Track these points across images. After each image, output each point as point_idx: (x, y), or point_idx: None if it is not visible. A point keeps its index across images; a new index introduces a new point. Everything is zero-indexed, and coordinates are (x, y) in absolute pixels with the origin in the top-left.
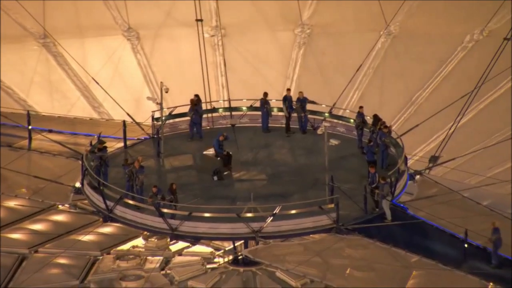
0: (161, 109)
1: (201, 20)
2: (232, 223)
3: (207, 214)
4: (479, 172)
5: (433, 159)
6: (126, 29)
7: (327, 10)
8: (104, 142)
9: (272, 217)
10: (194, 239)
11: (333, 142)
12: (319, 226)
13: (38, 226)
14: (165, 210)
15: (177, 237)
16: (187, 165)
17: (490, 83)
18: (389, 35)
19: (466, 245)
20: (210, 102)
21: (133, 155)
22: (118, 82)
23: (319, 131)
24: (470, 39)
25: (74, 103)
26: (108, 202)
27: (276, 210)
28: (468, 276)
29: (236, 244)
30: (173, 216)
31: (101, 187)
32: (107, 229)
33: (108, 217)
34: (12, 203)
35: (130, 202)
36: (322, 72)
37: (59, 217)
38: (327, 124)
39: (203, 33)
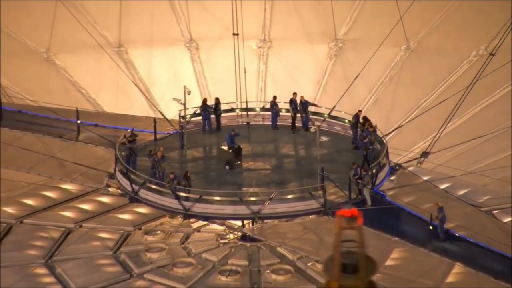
0: (185, 108)
1: (237, 34)
2: (235, 205)
3: (217, 198)
4: (463, 167)
5: (424, 154)
6: (188, 40)
7: (360, 27)
8: (136, 135)
9: (269, 201)
10: (204, 219)
11: (323, 138)
12: (309, 209)
13: (84, 206)
14: (180, 194)
15: (189, 216)
16: (205, 156)
17: (484, 92)
18: (408, 49)
19: (430, 227)
20: (245, 102)
21: (162, 146)
22: (174, 86)
23: (312, 130)
24: (475, 54)
25: (134, 103)
26: (134, 186)
27: (273, 195)
28: (431, 254)
29: (245, 224)
30: (186, 199)
31: (128, 173)
32: (141, 209)
33: (134, 199)
34: (65, 186)
35: (152, 186)
36: (347, 80)
37: (103, 199)
38: (319, 123)
39: (237, 45)
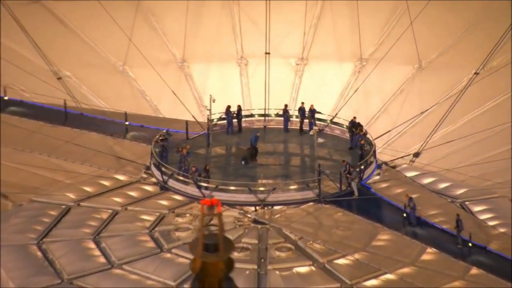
0: (210, 113)
1: (268, 53)
2: (245, 194)
3: (232, 187)
4: (447, 166)
5: (416, 155)
6: (240, 57)
7: (384, 48)
8: (169, 135)
9: (273, 191)
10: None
11: (320, 140)
12: (306, 198)
13: (131, 192)
14: (201, 183)
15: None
16: (226, 153)
17: (475, 103)
18: (419, 67)
19: (404, 215)
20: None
21: (188, 144)
22: (223, 96)
23: (311, 133)
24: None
25: (184, 109)
26: (164, 177)
27: (275, 187)
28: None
29: (257, 209)
30: (206, 188)
31: (160, 166)
32: (177, 196)
33: (164, 187)
34: (117, 176)
35: (179, 177)
36: (366, 93)
37: (147, 187)
38: (316, 128)
39: (269, 62)
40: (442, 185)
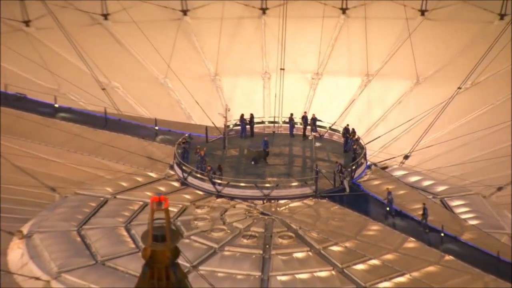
0: (226, 120)
1: (283, 69)
2: (252, 189)
3: (242, 184)
4: (436, 167)
5: (406, 157)
6: (264, 72)
7: (389, 65)
8: (191, 138)
9: (276, 187)
10: (230, 198)
11: (317, 144)
12: (304, 194)
13: (160, 187)
14: (215, 180)
15: (220, 196)
16: (239, 154)
17: (461, 113)
18: (417, 81)
19: (387, 208)
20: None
21: (205, 147)
22: (246, 105)
23: (310, 137)
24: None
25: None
26: (184, 174)
27: (277, 184)
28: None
29: (264, 202)
30: (219, 184)
31: (181, 165)
32: (198, 191)
33: (184, 183)
34: (149, 173)
35: (197, 175)
36: (369, 104)
37: (174, 183)
38: (314, 133)
39: (283, 78)
40: (426, 183)
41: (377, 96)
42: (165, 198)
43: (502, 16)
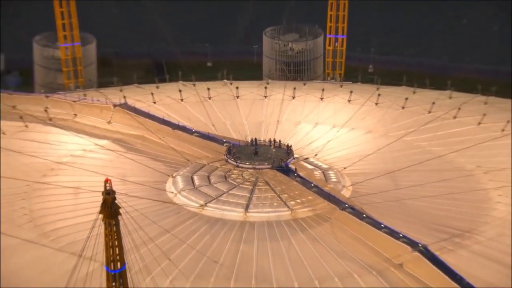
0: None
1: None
2: (251, 166)
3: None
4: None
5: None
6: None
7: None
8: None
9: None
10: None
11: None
12: (269, 167)
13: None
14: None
15: (238, 167)
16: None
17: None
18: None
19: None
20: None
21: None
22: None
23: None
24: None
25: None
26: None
27: (257, 164)
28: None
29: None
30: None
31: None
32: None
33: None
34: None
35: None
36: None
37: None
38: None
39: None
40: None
41: (368, 124)
42: (108, 179)
43: None
